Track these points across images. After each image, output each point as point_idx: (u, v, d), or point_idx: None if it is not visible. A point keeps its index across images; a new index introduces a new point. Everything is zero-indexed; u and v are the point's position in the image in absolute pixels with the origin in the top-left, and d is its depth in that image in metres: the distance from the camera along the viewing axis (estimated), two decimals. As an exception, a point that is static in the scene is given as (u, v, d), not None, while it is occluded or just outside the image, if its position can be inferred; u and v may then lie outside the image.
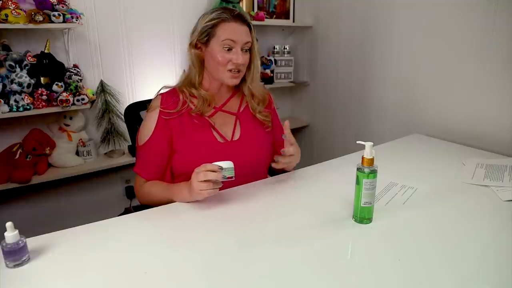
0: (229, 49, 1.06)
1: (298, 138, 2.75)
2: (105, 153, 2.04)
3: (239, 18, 1.07)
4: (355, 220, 0.90)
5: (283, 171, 1.22)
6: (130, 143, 1.96)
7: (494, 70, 1.52)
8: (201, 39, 1.08)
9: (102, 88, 1.96)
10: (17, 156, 1.74)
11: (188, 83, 1.13)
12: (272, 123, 1.24)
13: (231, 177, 0.91)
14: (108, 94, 1.97)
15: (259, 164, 1.19)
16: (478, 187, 1.13)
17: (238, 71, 1.08)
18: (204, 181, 0.89)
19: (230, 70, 1.07)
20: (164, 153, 1.10)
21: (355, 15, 2.15)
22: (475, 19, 1.55)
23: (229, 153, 1.09)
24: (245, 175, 1.12)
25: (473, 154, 1.44)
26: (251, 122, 1.18)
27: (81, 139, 1.91)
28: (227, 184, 0.95)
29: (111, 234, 0.87)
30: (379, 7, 1.99)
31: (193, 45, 1.11)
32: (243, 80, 1.16)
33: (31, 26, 1.58)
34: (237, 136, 1.14)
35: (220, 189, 0.95)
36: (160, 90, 1.14)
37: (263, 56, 2.49)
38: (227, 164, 0.91)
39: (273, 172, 1.25)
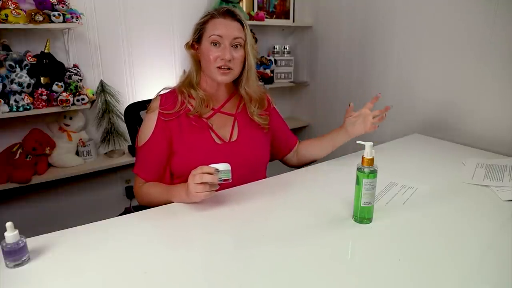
0: (217, 45, 1.05)
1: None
2: (105, 153, 2.04)
3: (228, 14, 1.07)
4: (355, 220, 0.90)
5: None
6: (130, 143, 1.96)
7: (494, 70, 1.52)
8: (195, 39, 1.10)
9: (102, 88, 1.96)
10: (17, 156, 1.74)
11: (187, 83, 1.13)
12: (274, 121, 1.24)
13: (228, 180, 0.91)
14: (108, 94, 1.97)
15: (257, 165, 1.19)
16: (478, 187, 1.13)
17: (228, 68, 1.06)
18: (201, 183, 0.89)
19: (220, 67, 1.05)
20: (163, 154, 1.10)
21: (355, 15, 2.15)
22: (475, 19, 1.55)
23: (227, 154, 1.10)
24: (244, 175, 1.11)
25: (473, 154, 1.43)
26: (249, 123, 1.18)
27: (81, 139, 1.91)
28: (226, 184, 0.95)
29: (111, 234, 0.87)
30: (379, 7, 1.99)
31: (189, 46, 1.11)
32: (240, 81, 1.15)
33: (31, 26, 1.58)
34: (234, 137, 1.14)
35: (219, 189, 0.96)
36: (160, 91, 1.14)
37: (263, 56, 2.49)
38: (223, 167, 0.90)
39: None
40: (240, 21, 1.08)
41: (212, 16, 1.07)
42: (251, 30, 1.14)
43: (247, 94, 1.16)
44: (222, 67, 1.05)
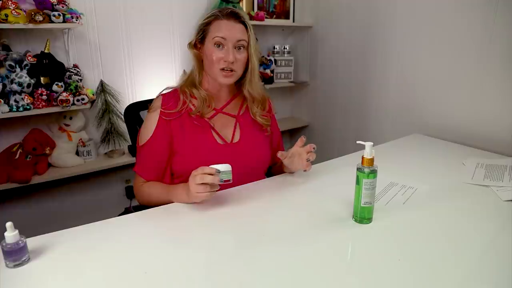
0: (220, 47, 1.05)
1: (298, 138, 2.75)
2: (105, 153, 2.04)
3: (232, 16, 1.07)
4: (355, 220, 0.90)
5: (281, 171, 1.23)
6: (130, 143, 1.96)
7: (494, 70, 1.52)
8: (198, 39, 1.10)
9: (102, 88, 1.96)
10: (17, 156, 1.74)
11: (190, 83, 1.13)
12: (270, 128, 1.24)
13: (229, 180, 0.91)
14: (108, 94, 1.97)
15: (258, 167, 1.19)
16: (478, 187, 1.13)
17: (231, 70, 1.06)
18: (201, 184, 0.89)
19: (223, 69, 1.05)
20: (164, 153, 1.10)
21: (355, 15, 2.15)
22: (475, 19, 1.55)
23: (228, 155, 1.09)
24: (244, 176, 1.12)
25: (473, 154, 1.44)
26: (251, 125, 1.18)
27: (81, 139, 1.91)
28: (226, 184, 0.95)
29: (111, 234, 0.87)
30: (379, 8, 1.99)
31: (192, 45, 1.11)
32: (243, 82, 1.15)
33: (31, 26, 1.59)
34: (237, 138, 1.14)
35: (219, 189, 0.96)
36: (162, 90, 1.14)
37: (263, 56, 2.49)
38: (224, 167, 0.91)
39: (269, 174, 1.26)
40: (244, 23, 1.08)
41: (216, 17, 1.06)
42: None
43: (250, 95, 1.16)
44: (225, 68, 1.05)
